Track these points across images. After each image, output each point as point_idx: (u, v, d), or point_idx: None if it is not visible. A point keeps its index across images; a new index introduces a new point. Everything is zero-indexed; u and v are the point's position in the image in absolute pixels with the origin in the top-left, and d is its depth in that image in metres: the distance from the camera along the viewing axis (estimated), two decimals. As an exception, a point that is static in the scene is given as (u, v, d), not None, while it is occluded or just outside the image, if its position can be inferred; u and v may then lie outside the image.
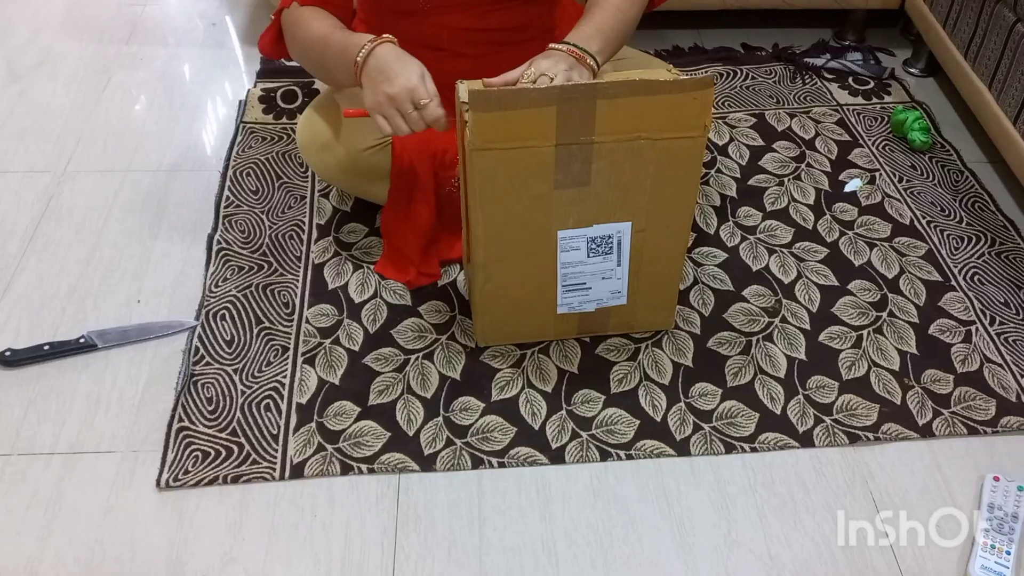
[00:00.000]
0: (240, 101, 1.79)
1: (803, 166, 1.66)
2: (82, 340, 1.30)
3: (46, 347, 1.29)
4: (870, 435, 1.20)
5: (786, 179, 1.63)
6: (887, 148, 1.71)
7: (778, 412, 1.23)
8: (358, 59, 1.13)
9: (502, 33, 1.30)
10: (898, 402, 1.24)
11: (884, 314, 1.38)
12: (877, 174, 1.65)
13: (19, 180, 1.59)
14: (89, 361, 1.28)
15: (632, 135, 1.06)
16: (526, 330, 1.30)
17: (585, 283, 1.22)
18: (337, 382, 1.25)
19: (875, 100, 1.84)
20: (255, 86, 1.83)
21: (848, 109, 1.81)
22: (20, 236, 1.47)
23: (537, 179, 1.09)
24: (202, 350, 1.29)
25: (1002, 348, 1.32)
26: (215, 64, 1.93)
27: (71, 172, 1.61)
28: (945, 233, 1.52)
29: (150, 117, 1.77)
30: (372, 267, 1.43)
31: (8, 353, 1.28)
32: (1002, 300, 1.40)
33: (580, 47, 1.13)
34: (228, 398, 1.22)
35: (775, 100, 1.83)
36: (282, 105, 1.77)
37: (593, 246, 1.18)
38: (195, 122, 1.76)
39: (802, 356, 1.31)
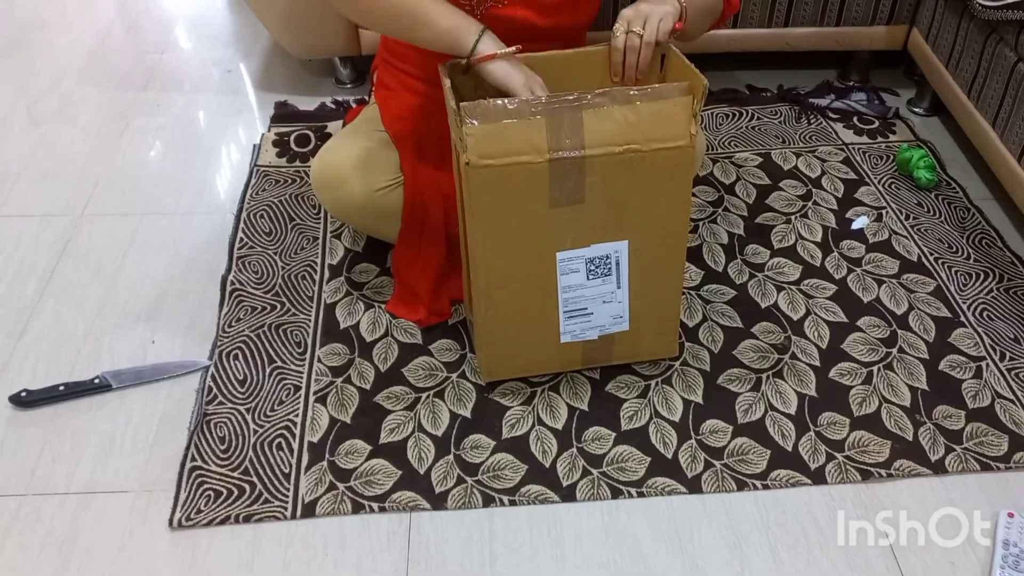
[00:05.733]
0: (254, 145, 1.82)
1: (810, 204, 1.68)
2: (97, 380, 1.31)
3: (61, 388, 1.30)
4: (882, 471, 1.19)
5: (793, 217, 1.65)
6: (893, 186, 1.73)
7: (789, 449, 1.23)
8: (471, 59, 1.15)
9: (558, 32, 1.31)
10: (910, 438, 1.24)
11: (894, 350, 1.38)
12: (884, 212, 1.66)
13: (38, 223, 1.62)
14: (104, 401, 1.29)
15: (621, 146, 1.10)
16: (531, 362, 1.30)
17: (586, 308, 1.23)
18: (348, 421, 1.26)
19: (880, 139, 1.86)
20: (269, 131, 1.87)
21: (854, 148, 1.83)
22: (38, 278, 1.50)
23: (533, 197, 1.12)
24: (215, 389, 1.30)
25: (1013, 384, 1.32)
26: (230, 110, 1.97)
27: (88, 215, 1.64)
28: (953, 270, 1.53)
29: (166, 161, 1.81)
30: (383, 306, 1.44)
31: (24, 394, 1.29)
32: (1012, 336, 1.40)
33: None
34: (240, 437, 1.23)
35: (781, 140, 1.86)
36: (295, 149, 1.80)
37: (592, 267, 1.19)
38: (210, 166, 1.79)
39: (812, 392, 1.31)
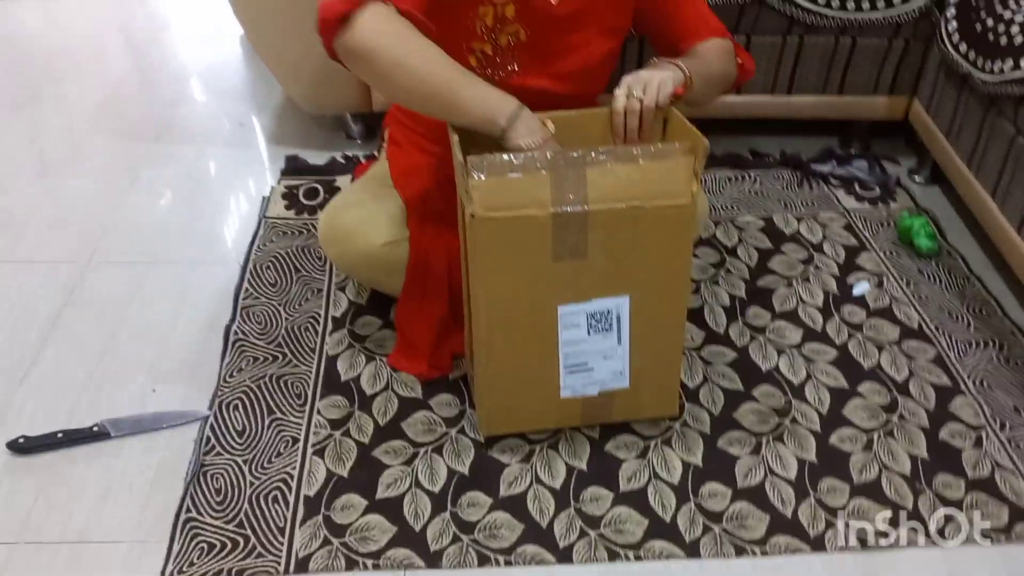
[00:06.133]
0: (264, 197, 1.84)
1: (811, 268, 1.69)
2: (96, 428, 1.31)
3: (60, 435, 1.30)
4: (883, 540, 1.18)
5: (795, 281, 1.66)
6: (894, 253, 1.74)
7: (789, 515, 1.21)
8: (507, 134, 1.14)
9: (573, 99, 1.32)
10: (910, 507, 1.23)
11: (894, 417, 1.38)
12: (884, 278, 1.67)
13: (44, 270, 1.63)
14: (102, 449, 1.29)
15: (623, 202, 1.11)
16: (530, 417, 1.30)
17: (587, 363, 1.24)
18: (346, 475, 1.25)
19: (881, 206, 1.88)
20: (279, 183, 1.89)
21: (855, 214, 1.85)
22: (41, 325, 1.51)
23: (536, 250, 1.13)
24: (213, 440, 1.30)
25: (1013, 454, 1.31)
26: (241, 162, 2.00)
27: (95, 263, 1.65)
28: (953, 337, 1.53)
29: (174, 212, 1.83)
30: (385, 359, 1.44)
31: (22, 440, 1.29)
32: (1012, 406, 1.40)
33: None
34: (237, 489, 1.23)
35: (783, 204, 1.88)
36: (304, 201, 1.83)
37: (593, 322, 1.20)
38: (218, 217, 1.82)
39: (812, 458, 1.30)
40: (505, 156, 1.09)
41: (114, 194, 1.86)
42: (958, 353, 1.50)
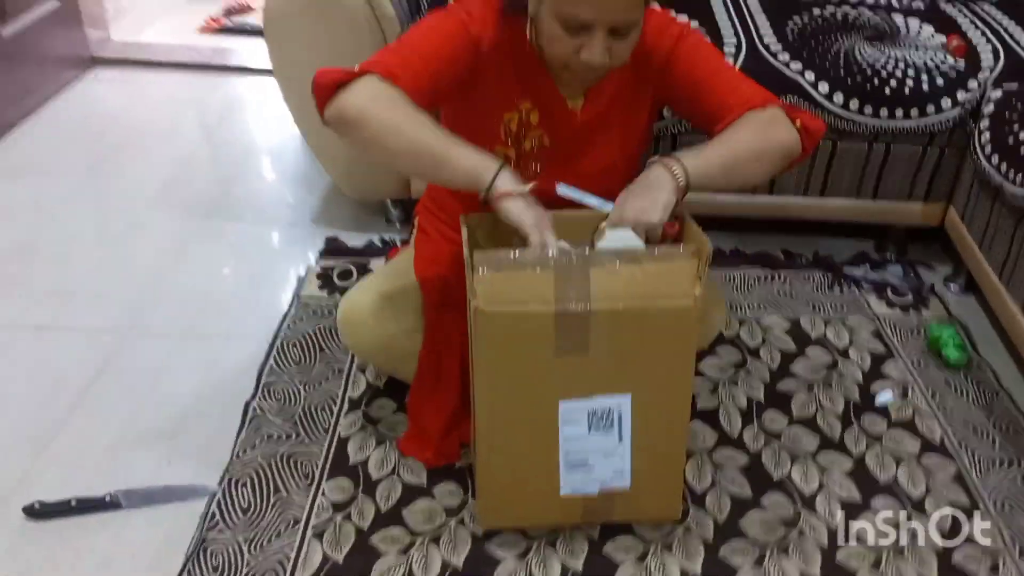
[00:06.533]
0: (299, 277, 1.91)
1: (834, 374, 1.67)
2: (108, 499, 1.36)
3: (73, 503, 1.35)
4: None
5: (816, 386, 1.64)
6: (922, 362, 1.71)
7: (785, 633, 1.18)
8: (489, 195, 1.17)
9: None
10: (914, 634, 1.18)
11: (906, 536, 1.33)
12: (910, 387, 1.64)
13: (84, 339, 1.71)
14: (111, 519, 1.34)
15: (626, 302, 1.13)
16: (530, 512, 1.30)
17: (587, 460, 1.24)
18: (341, 560, 1.27)
19: (912, 313, 1.85)
20: (316, 263, 1.96)
21: (884, 320, 1.82)
22: (72, 393, 1.57)
23: (538, 346, 1.15)
24: (218, 516, 1.33)
25: (1031, 584, 1.26)
26: (285, 241, 2.09)
27: (133, 335, 1.73)
28: (976, 454, 1.49)
29: (215, 286, 1.91)
30: (395, 443, 1.47)
31: (37, 506, 1.34)
32: (1034, 531, 1.35)
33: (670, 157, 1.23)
34: (233, 568, 1.25)
35: (812, 306, 1.86)
36: (337, 282, 1.89)
37: (594, 419, 1.21)
38: (256, 293, 1.89)
39: (817, 574, 1.27)
40: (511, 252, 1.13)
41: (162, 267, 1.95)
42: (980, 472, 1.45)
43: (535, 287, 1.13)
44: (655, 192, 1.20)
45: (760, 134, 1.27)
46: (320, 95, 1.18)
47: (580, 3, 1.15)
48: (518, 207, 1.17)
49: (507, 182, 1.18)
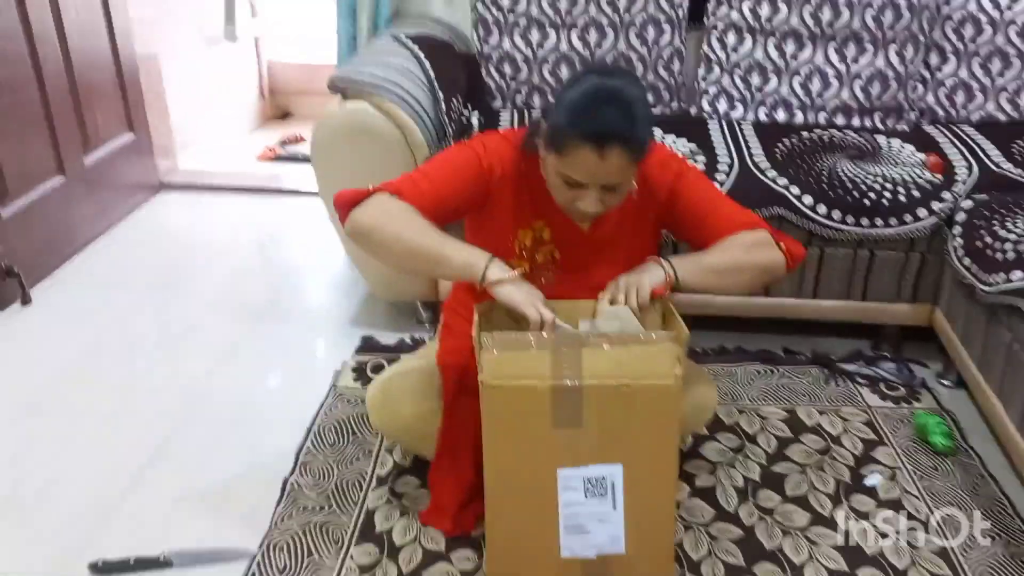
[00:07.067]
0: (335, 371, 2.10)
1: (827, 458, 1.79)
2: (162, 558, 1.52)
3: (131, 561, 1.51)
4: None
5: (809, 469, 1.76)
6: (911, 449, 1.82)
7: None
8: (484, 284, 1.38)
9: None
10: None
11: (890, 603, 1.43)
12: (898, 471, 1.75)
13: (144, 423, 1.91)
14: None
15: (615, 379, 1.30)
16: (532, 573, 1.43)
17: (584, 525, 1.37)
18: (366, 614, 1.41)
19: (904, 406, 1.97)
20: (351, 359, 2.16)
21: (877, 411, 1.95)
22: (133, 468, 1.76)
23: (537, 417, 1.32)
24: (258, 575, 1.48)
25: (1004, 645, 1.34)
26: (325, 340, 2.30)
27: (187, 423, 1.92)
28: (959, 532, 1.59)
29: (261, 380, 2.11)
30: (417, 515, 1.61)
31: (100, 564, 1.51)
32: (1012, 600, 1.43)
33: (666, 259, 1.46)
34: (270, 619, 1.40)
35: (808, 398, 2.00)
36: (370, 375, 2.07)
37: (589, 486, 1.35)
38: (297, 385, 2.08)
39: (802, 635, 1.37)
40: (514, 335, 1.32)
41: (214, 363, 2.16)
42: (964, 547, 1.55)
43: (534, 365, 1.31)
44: (646, 272, 1.45)
45: (743, 251, 1.52)
46: (341, 211, 1.42)
47: (576, 169, 1.37)
48: (508, 290, 1.39)
49: (497, 271, 1.39)
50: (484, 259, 1.40)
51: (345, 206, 1.42)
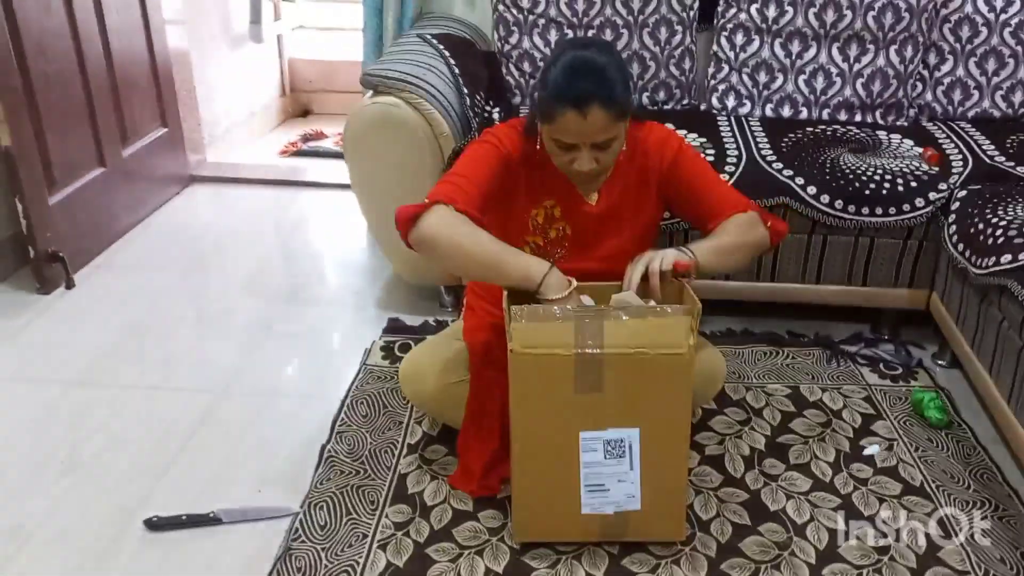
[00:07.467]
0: (365, 349, 2.23)
1: (828, 431, 1.91)
2: (212, 515, 1.65)
3: (183, 517, 1.64)
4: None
5: (811, 440, 1.88)
6: (907, 423, 1.94)
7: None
8: (541, 289, 1.49)
9: (613, 275, 1.62)
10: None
11: (885, 558, 1.55)
12: (895, 443, 1.87)
13: (188, 396, 2.03)
14: (214, 532, 1.63)
15: (632, 348, 1.42)
16: (555, 528, 1.56)
17: (604, 484, 1.50)
18: (401, 565, 1.53)
19: (902, 383, 2.09)
20: (380, 339, 2.28)
21: (876, 389, 2.07)
22: (181, 436, 1.89)
23: (561, 383, 1.44)
24: (300, 531, 1.61)
25: (990, 596, 1.46)
26: (354, 321, 2.42)
27: (228, 395, 2.05)
28: (952, 496, 1.71)
29: (295, 357, 2.24)
30: (446, 479, 1.74)
31: (155, 519, 1.64)
32: (998, 556, 1.55)
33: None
34: (313, 570, 1.52)
35: (811, 376, 2.12)
36: (398, 354, 2.20)
37: (609, 448, 1.48)
38: (330, 362, 2.22)
39: (803, 586, 1.50)
40: (541, 308, 1.44)
41: (251, 341, 2.29)
42: (955, 510, 1.67)
43: (559, 334, 1.43)
44: (669, 249, 1.58)
45: (744, 231, 1.67)
46: (402, 228, 1.54)
47: (565, 132, 1.53)
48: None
49: (552, 289, 1.48)
50: (541, 271, 1.49)
51: (407, 221, 1.53)
